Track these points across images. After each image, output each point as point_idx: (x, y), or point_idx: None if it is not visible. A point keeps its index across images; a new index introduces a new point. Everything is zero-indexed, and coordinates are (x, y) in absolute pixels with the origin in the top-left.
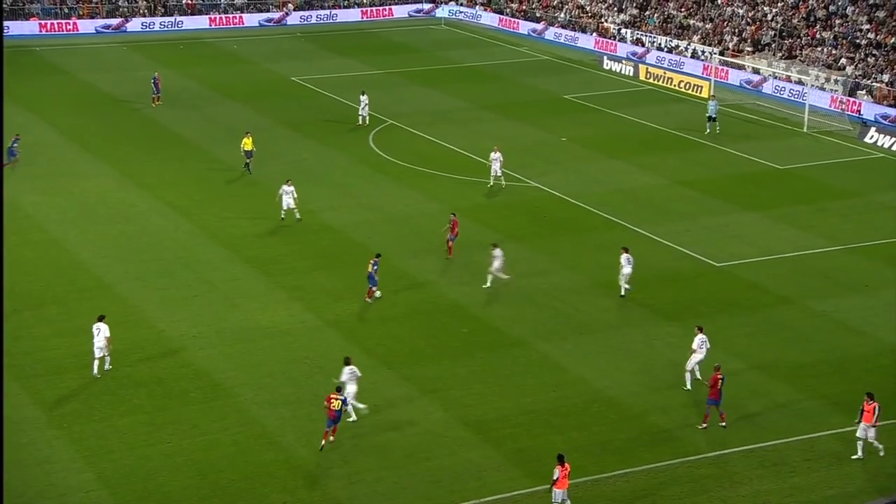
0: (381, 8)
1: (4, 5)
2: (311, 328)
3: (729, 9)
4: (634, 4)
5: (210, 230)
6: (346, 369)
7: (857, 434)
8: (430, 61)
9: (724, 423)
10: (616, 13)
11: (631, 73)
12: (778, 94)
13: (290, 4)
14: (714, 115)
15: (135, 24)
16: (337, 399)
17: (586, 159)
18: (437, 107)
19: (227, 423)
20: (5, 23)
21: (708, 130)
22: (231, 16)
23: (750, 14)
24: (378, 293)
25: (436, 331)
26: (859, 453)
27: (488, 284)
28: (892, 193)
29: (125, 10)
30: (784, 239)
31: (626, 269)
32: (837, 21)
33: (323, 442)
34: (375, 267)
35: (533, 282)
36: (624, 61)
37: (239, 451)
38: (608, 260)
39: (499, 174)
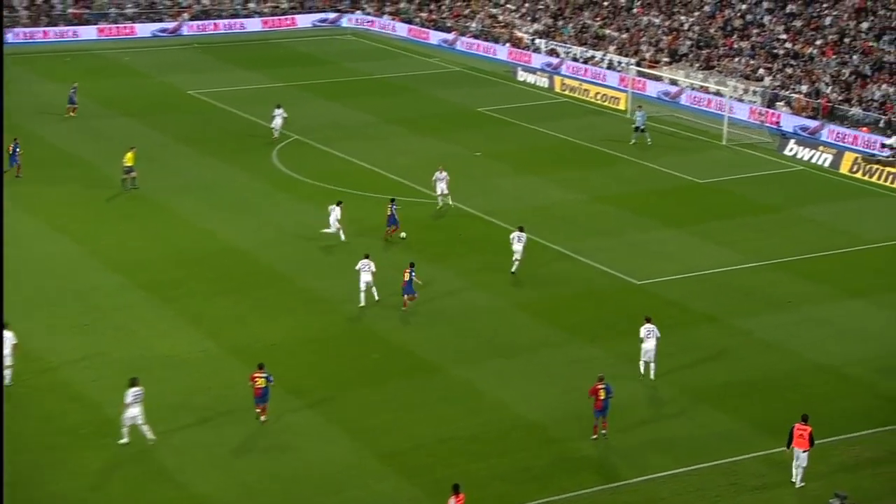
0: (283, 18)
1: None
2: (212, 357)
3: (645, 18)
4: (548, 14)
5: (102, 254)
6: (132, 391)
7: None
8: (337, 73)
9: (602, 433)
10: (529, 23)
11: (546, 85)
12: (696, 106)
13: (185, 14)
14: (642, 126)
15: (16, 35)
16: (261, 377)
17: (502, 175)
18: (345, 121)
19: (120, 460)
20: None
21: (634, 141)
22: (121, 26)
23: (666, 24)
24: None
25: (346, 357)
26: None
27: (361, 303)
28: (813, 207)
29: (6, 20)
30: (705, 255)
31: (517, 246)
32: (755, 30)
33: (262, 418)
34: (413, 275)
35: (449, 303)
36: (539, 73)
37: (134, 491)
38: (527, 279)
39: (445, 193)
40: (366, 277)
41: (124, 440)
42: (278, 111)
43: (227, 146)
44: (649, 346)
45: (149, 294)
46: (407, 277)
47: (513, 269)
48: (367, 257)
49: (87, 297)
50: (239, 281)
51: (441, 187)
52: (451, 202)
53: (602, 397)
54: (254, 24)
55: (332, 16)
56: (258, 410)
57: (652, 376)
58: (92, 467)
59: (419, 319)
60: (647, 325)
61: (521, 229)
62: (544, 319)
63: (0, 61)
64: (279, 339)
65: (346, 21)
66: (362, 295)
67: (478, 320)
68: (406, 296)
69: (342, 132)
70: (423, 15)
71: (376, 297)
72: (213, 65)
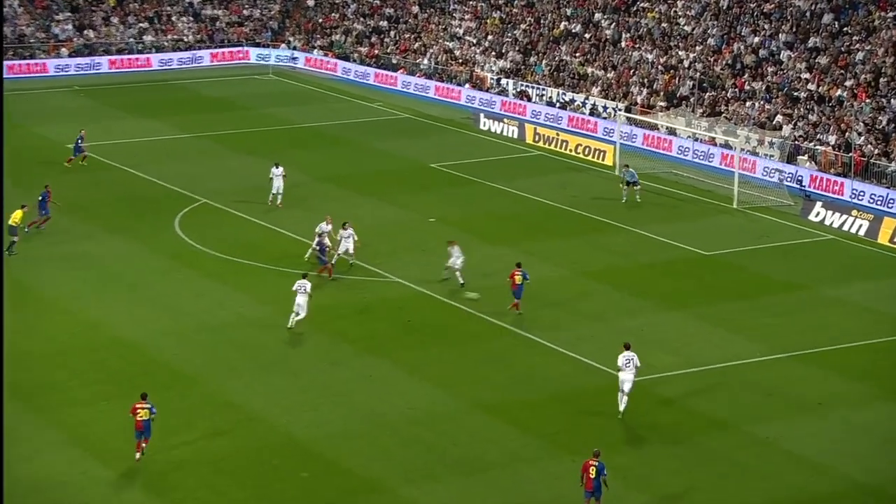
0: (187, 53)
1: None
2: (96, 481)
3: (636, 53)
4: (517, 48)
5: None
6: None
7: None
8: (254, 121)
9: None
10: (494, 59)
11: (515, 135)
12: (700, 161)
13: (63, 49)
14: (635, 181)
15: None
16: (143, 408)
17: (462, 245)
18: (265, 180)
19: None
20: None
21: (625, 199)
22: None
23: (662, 60)
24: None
25: (267, 477)
26: None
27: (289, 325)
28: (846, 285)
29: None
30: (714, 345)
31: (454, 262)
32: (770, 69)
33: (138, 454)
34: (527, 279)
35: (397, 407)
36: (506, 120)
37: None
38: (495, 377)
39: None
40: (300, 299)
41: None
42: (277, 171)
43: (118, 213)
44: (627, 376)
45: (16, 402)
46: (519, 281)
47: (445, 278)
48: (304, 277)
49: None
50: (130, 383)
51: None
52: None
53: (592, 476)
54: (150, 62)
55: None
56: (140, 443)
57: (621, 408)
58: None
59: (358, 428)
60: (626, 353)
61: (451, 243)
62: (515, 426)
63: (0, 66)
64: (182, 456)
65: (267, 58)
66: (292, 315)
67: (431, 427)
68: (518, 300)
69: (262, 193)
70: (363, 49)
71: (290, 324)
72: (98, 112)
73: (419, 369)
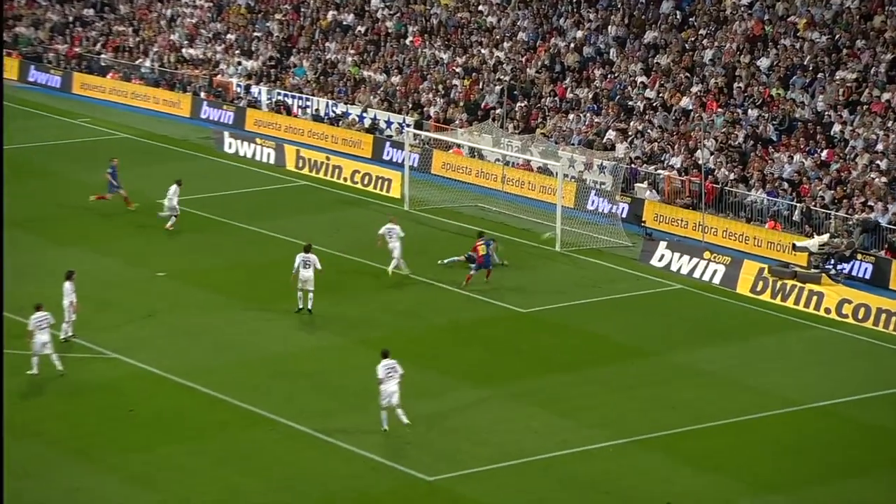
0: None
1: None
2: None
3: (427, 52)
4: (271, 45)
5: None
6: None
7: None
8: None
9: None
10: (240, 58)
11: (272, 160)
12: (513, 191)
13: None
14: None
15: None
16: None
17: (200, 308)
18: None
19: None
20: None
21: (441, 262)
22: None
23: (461, 61)
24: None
25: None
26: None
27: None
28: (698, 349)
29: None
30: (535, 430)
31: (305, 273)
32: (598, 72)
33: None
34: (491, 245)
35: None
36: (259, 140)
37: None
38: (250, 482)
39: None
40: (42, 338)
41: None
42: (174, 188)
43: None
44: (392, 387)
45: None
46: (483, 252)
47: (307, 306)
48: (38, 309)
49: None
50: None
51: (395, 246)
52: (404, 268)
53: None
54: None
55: None
56: None
57: (405, 420)
58: None
59: None
60: (386, 362)
61: (307, 250)
62: None
63: (0, 67)
64: None
65: None
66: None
67: None
68: (490, 268)
69: None
70: (61, 48)
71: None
72: None
73: (147, 477)
